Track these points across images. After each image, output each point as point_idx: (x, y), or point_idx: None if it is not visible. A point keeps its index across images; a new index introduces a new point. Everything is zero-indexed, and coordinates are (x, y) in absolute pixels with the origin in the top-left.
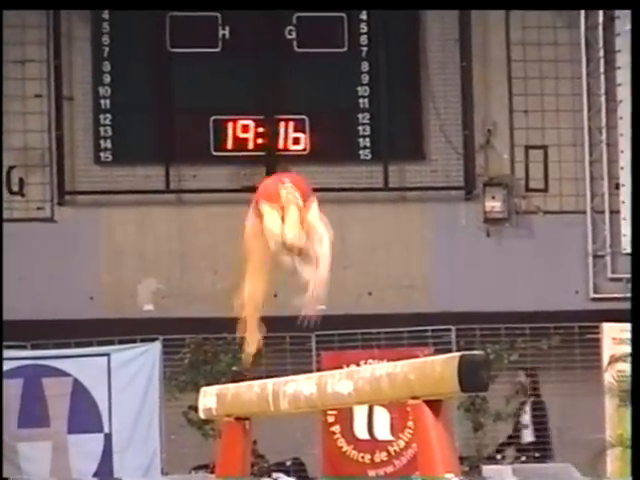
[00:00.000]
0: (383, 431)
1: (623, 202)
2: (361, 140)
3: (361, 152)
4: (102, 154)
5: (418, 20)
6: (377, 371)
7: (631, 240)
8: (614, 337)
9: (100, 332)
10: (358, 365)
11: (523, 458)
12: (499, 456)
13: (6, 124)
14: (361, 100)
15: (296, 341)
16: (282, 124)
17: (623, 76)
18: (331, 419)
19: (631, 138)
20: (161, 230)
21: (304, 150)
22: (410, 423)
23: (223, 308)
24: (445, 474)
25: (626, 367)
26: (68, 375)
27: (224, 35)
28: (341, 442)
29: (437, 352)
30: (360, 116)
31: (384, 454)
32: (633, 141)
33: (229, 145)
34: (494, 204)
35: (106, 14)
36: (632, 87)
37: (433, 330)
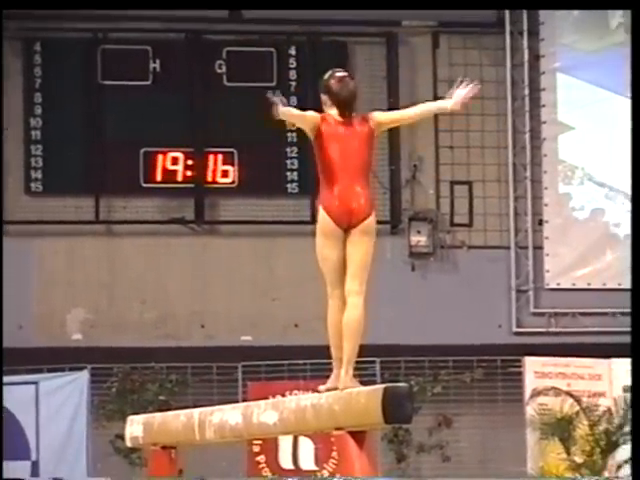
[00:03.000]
0: (307, 461)
1: (546, 238)
2: (289, 173)
3: (288, 185)
4: (33, 184)
5: (346, 56)
6: (302, 402)
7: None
8: (536, 371)
9: (29, 360)
10: (284, 396)
11: None
12: None
13: None
14: (289, 134)
15: (223, 371)
16: (211, 157)
17: (548, 114)
18: (256, 449)
19: (631, 143)
20: (90, 260)
21: (233, 183)
22: (334, 453)
23: (150, 338)
24: None
25: (547, 400)
26: None
27: (155, 68)
28: (266, 472)
29: (362, 384)
30: (288, 150)
31: None
32: (633, 147)
33: (158, 177)
34: (419, 238)
35: (38, 46)
36: (632, 90)
37: (358, 362)
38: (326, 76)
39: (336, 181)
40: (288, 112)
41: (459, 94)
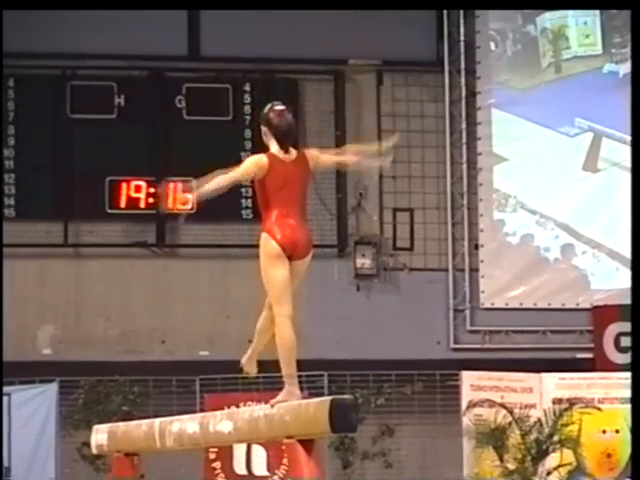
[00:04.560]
0: (260, 467)
1: (482, 261)
2: (243, 201)
3: (243, 212)
4: (6, 210)
5: (297, 92)
6: (255, 412)
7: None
8: (472, 384)
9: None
10: (238, 407)
11: None
12: None
13: None
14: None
15: (182, 384)
16: (171, 185)
17: (483, 146)
18: (212, 456)
19: (631, 145)
20: (59, 281)
21: (191, 209)
22: (285, 460)
23: (115, 353)
24: None
25: (482, 411)
26: None
27: (119, 103)
28: (221, 477)
29: (310, 396)
30: None
31: None
32: (633, 149)
33: (123, 204)
34: (364, 261)
35: (11, 82)
36: (632, 90)
37: (307, 376)
38: (266, 109)
39: (281, 212)
40: (224, 181)
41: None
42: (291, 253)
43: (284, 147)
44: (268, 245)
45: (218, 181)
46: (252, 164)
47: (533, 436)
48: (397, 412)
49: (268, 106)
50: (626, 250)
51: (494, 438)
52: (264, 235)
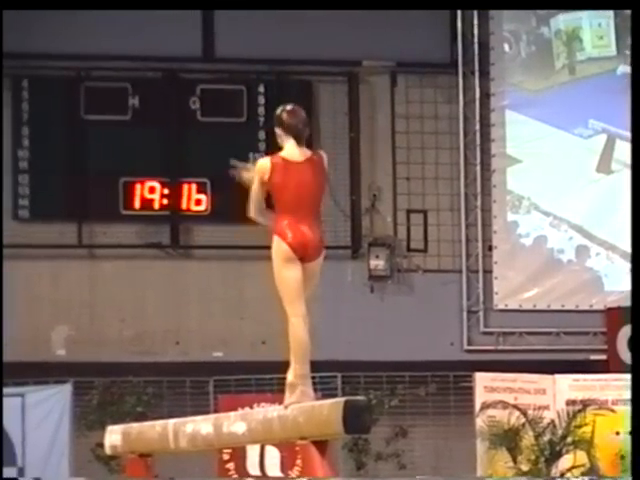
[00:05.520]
0: (273, 468)
1: (495, 263)
2: None
3: None
4: (20, 211)
5: (311, 94)
6: (269, 413)
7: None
8: (485, 385)
9: (16, 374)
10: (252, 408)
11: None
12: None
13: None
14: None
15: (196, 385)
16: (185, 186)
17: (497, 148)
18: (226, 457)
19: (631, 143)
20: (73, 282)
21: (205, 210)
22: (299, 461)
23: (129, 354)
24: None
25: (496, 413)
26: None
27: (134, 104)
28: (235, 478)
29: (324, 397)
30: None
31: None
32: (633, 147)
33: (137, 205)
34: (378, 262)
35: (26, 83)
36: (632, 90)
37: (320, 377)
38: (278, 111)
39: (292, 214)
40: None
41: None
42: (302, 255)
43: (300, 142)
44: (279, 247)
45: (255, 208)
46: (257, 170)
47: (546, 437)
48: (411, 413)
49: (280, 108)
50: None
51: (507, 439)
52: (275, 238)
